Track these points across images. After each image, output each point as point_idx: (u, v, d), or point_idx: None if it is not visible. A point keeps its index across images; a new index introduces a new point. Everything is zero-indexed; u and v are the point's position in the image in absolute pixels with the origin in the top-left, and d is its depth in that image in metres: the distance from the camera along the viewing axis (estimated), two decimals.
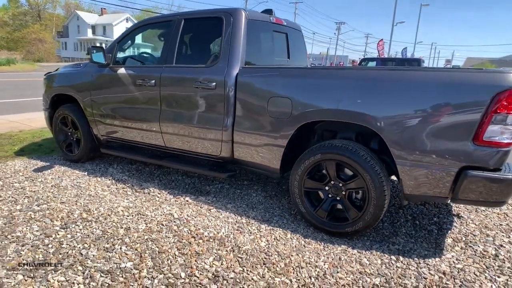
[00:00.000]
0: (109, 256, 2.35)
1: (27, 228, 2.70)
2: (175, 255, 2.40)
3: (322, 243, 2.64)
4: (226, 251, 2.47)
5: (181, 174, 4.10)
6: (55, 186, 3.60)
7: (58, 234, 2.62)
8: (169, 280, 2.13)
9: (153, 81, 3.46)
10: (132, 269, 2.22)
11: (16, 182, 3.69)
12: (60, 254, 2.36)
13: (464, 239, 2.76)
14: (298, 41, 4.14)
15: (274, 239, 2.69)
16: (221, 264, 2.32)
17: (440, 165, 2.31)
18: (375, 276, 2.23)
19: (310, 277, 2.21)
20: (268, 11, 3.63)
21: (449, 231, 2.89)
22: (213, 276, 2.19)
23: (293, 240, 2.68)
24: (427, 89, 2.30)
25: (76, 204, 3.18)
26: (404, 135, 2.37)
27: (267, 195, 3.50)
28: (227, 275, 2.20)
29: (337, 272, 2.27)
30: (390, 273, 2.27)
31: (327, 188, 2.77)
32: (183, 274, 2.19)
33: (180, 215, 3.00)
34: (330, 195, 2.77)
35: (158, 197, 3.40)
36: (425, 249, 2.59)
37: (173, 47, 3.41)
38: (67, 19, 57.10)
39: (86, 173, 4.05)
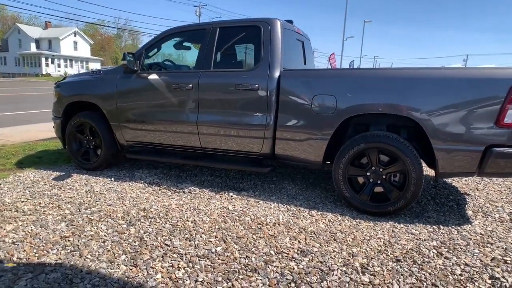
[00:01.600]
0: (195, 244, 2.50)
1: (95, 228, 2.73)
2: (254, 238, 2.60)
3: (371, 222, 3.00)
4: (296, 232, 2.73)
5: (208, 174, 4.26)
6: (90, 192, 3.59)
7: (130, 231, 2.69)
8: (264, 257, 2.34)
9: (191, 85, 3.64)
10: (224, 252, 2.39)
11: (45, 191, 3.61)
12: (147, 245, 2.46)
13: (480, 210, 3.29)
14: (309, 49, 4.57)
15: (329, 221, 2.99)
16: (299, 242, 2.57)
17: (470, 145, 2.81)
18: (430, 240, 2.63)
19: (379, 246, 2.54)
20: (290, 21, 4.01)
21: (466, 205, 3.41)
22: (299, 251, 2.43)
23: (345, 221, 3.00)
24: (459, 84, 2.80)
25: (124, 205, 3.22)
26: (441, 123, 2.84)
27: (301, 188, 3.80)
28: (311, 249, 2.46)
29: (399, 240, 2.64)
30: (440, 237, 2.69)
31: (368, 173, 3.15)
32: (272, 252, 2.41)
33: (234, 207, 3.19)
34: (371, 180, 3.15)
35: (201, 195, 3.54)
36: (455, 220, 3.07)
37: (209, 54, 3.63)
38: (5, 32, 53.05)
39: (112, 179, 4.04)
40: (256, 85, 3.36)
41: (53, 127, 4.72)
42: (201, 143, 3.76)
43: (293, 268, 2.22)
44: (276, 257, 2.35)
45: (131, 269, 2.18)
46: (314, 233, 2.72)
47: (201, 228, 2.76)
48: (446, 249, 2.49)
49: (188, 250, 2.41)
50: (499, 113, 2.72)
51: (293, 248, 2.47)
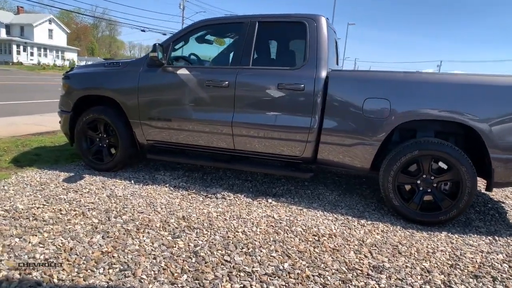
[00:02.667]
0: (258, 259, 2.26)
1: (137, 241, 2.43)
2: (317, 252, 2.40)
3: (424, 232, 2.87)
4: (356, 245, 2.56)
5: (234, 177, 4.01)
6: (112, 197, 3.25)
7: (179, 244, 2.42)
8: (338, 275, 2.15)
9: (227, 82, 3.37)
10: (294, 269, 2.18)
11: (60, 195, 3.24)
12: (207, 262, 2.20)
13: None
14: (338, 49, 4.40)
15: (382, 231, 2.84)
16: (365, 256, 2.40)
17: None
18: (495, 253, 2.54)
19: (448, 259, 2.42)
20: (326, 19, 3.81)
21: (507, 214, 3.37)
22: (372, 267, 2.26)
23: (398, 231, 2.86)
24: None
25: (158, 213, 2.93)
26: (500, 132, 2.75)
27: (339, 194, 3.63)
28: (382, 265, 2.29)
29: (464, 253, 2.52)
30: (502, 249, 2.60)
31: (418, 181, 3.03)
32: (344, 268, 2.22)
33: (280, 216, 2.98)
34: (421, 188, 3.03)
35: (237, 201, 3.30)
36: (505, 229, 3.00)
37: (248, 49, 3.38)
38: None
39: (132, 182, 3.71)
40: (302, 85, 3.15)
41: (60, 122, 4.30)
42: (235, 145, 3.50)
43: None
44: (351, 274, 2.17)
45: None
46: (375, 246, 2.56)
47: (255, 240, 2.52)
48: None
49: (253, 267, 2.17)
50: None
51: (363, 264, 2.29)
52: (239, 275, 2.09)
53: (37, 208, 2.91)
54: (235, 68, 3.39)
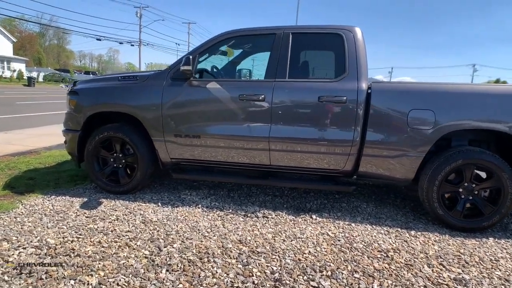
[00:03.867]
0: (345, 283, 2.17)
1: (210, 273, 2.22)
2: (393, 269, 2.36)
3: (472, 239, 2.94)
4: (422, 258, 2.55)
5: (263, 194, 3.86)
6: (148, 223, 2.99)
7: (255, 273, 2.25)
8: None
9: (263, 96, 3.26)
10: None
11: (89, 224, 2.91)
12: None
13: None
14: None
15: (435, 241, 2.87)
16: (440, 269, 2.39)
17: None
18: None
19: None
20: None
21: None
22: (453, 279, 2.26)
23: (449, 240, 2.90)
24: None
25: (209, 238, 2.73)
26: None
27: (375, 205, 3.62)
28: (461, 277, 2.29)
29: None
30: None
31: (460, 189, 3.11)
32: (430, 284, 2.20)
33: (334, 233, 2.91)
34: (463, 196, 3.12)
35: (281, 219, 3.17)
36: None
37: (283, 62, 3.29)
38: None
39: (160, 204, 3.43)
40: (344, 98, 3.12)
41: (64, 142, 3.89)
42: (271, 160, 3.38)
43: None
44: (441, 284, 2.14)
45: None
46: (440, 257, 2.57)
47: (327, 261, 2.42)
48: None
49: None
50: None
51: (444, 277, 2.28)
52: None
53: (72, 242, 2.58)
54: (271, 81, 3.29)
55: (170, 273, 2.21)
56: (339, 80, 3.19)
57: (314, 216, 3.23)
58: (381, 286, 2.16)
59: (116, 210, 3.26)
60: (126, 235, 2.74)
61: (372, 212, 3.44)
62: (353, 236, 2.87)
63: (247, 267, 2.31)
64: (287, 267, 2.32)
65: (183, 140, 3.48)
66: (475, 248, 2.75)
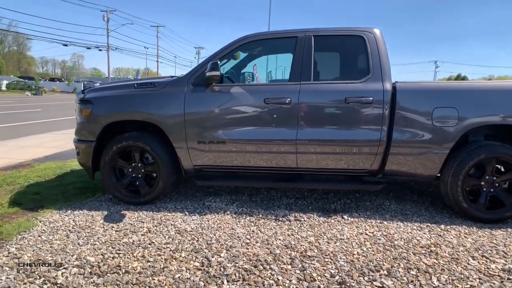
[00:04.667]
0: (406, 280, 2.21)
1: (272, 281, 2.19)
2: (443, 264, 2.43)
3: (498, 230, 3.08)
4: (464, 251, 2.64)
5: (284, 196, 3.85)
6: (183, 233, 2.91)
7: (315, 277, 2.24)
8: (487, 283, 2.19)
9: (289, 99, 3.26)
10: (446, 285, 2.17)
11: (122, 239, 2.79)
12: None
13: None
14: None
15: (467, 234, 2.98)
16: (485, 261, 2.49)
17: None
18: None
19: None
20: None
21: None
22: (502, 270, 2.35)
23: (479, 232, 3.02)
24: None
25: (253, 245, 2.69)
26: None
27: (397, 202, 3.71)
28: (508, 267, 2.40)
29: None
30: None
31: (482, 183, 3.26)
32: (484, 276, 2.28)
33: (371, 232, 2.95)
34: (484, 189, 3.26)
35: (314, 222, 3.18)
36: None
37: (307, 64, 3.31)
38: None
39: (187, 213, 3.35)
40: (370, 98, 3.19)
41: (77, 153, 3.70)
42: (298, 163, 3.38)
43: None
44: (495, 280, 2.23)
45: None
46: (479, 250, 2.67)
47: (379, 261, 2.46)
48: None
49: None
50: None
51: (493, 268, 2.38)
52: None
53: (114, 259, 2.46)
54: (297, 84, 3.30)
55: (232, 283, 2.16)
56: (364, 81, 3.25)
57: (345, 217, 3.27)
58: (439, 281, 2.22)
59: (143, 222, 3.15)
60: (167, 247, 2.65)
61: (397, 209, 3.52)
62: (390, 234, 2.92)
63: (305, 272, 2.30)
64: (344, 269, 2.33)
65: (207, 146, 3.41)
66: (506, 239, 2.89)
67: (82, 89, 3.96)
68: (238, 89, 3.35)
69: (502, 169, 3.25)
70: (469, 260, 2.50)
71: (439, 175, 3.35)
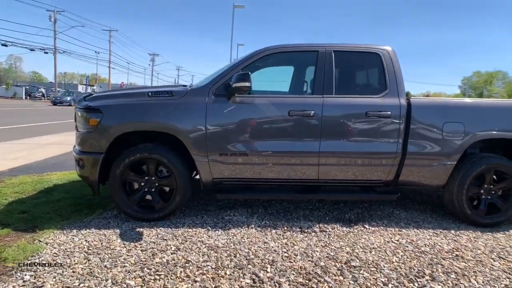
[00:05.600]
0: (451, 284, 2.34)
1: None
2: (472, 267, 2.62)
3: (498, 233, 3.38)
4: (483, 253, 2.87)
5: (298, 208, 3.87)
6: (215, 249, 2.81)
7: (374, 286, 2.28)
8: None
9: (313, 112, 3.33)
10: (484, 285, 2.34)
11: (152, 259, 2.62)
12: None
13: None
14: None
15: (475, 238, 3.24)
16: (506, 262, 2.73)
17: None
18: None
19: None
20: None
21: None
22: None
23: (484, 236, 3.29)
24: None
25: (294, 258, 2.68)
26: None
27: (406, 210, 3.90)
28: None
29: None
30: None
31: (482, 191, 3.58)
32: (506, 275, 2.50)
33: (397, 240, 3.09)
34: (483, 196, 3.59)
35: (340, 232, 3.24)
36: None
37: (329, 78, 3.41)
38: None
39: (208, 228, 3.23)
40: (389, 112, 3.37)
41: (81, 166, 3.39)
42: (319, 175, 3.45)
43: None
44: None
45: None
46: (493, 252, 2.93)
47: (417, 267, 2.58)
48: None
49: None
50: None
51: (510, 267, 2.61)
52: None
53: (156, 281, 2.31)
54: (320, 97, 3.38)
55: None
56: (382, 96, 3.42)
57: (366, 226, 3.38)
58: (478, 283, 2.38)
59: (166, 240, 2.97)
60: (207, 265, 2.53)
61: (407, 217, 3.72)
62: (413, 240, 3.08)
63: (357, 281, 2.34)
64: (392, 277, 2.41)
65: (229, 158, 3.33)
66: (508, 241, 3.19)
67: (84, 96, 3.65)
68: (262, 100, 3.35)
69: (495, 179, 3.59)
70: (492, 262, 2.72)
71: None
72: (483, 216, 3.55)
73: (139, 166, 3.39)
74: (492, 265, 2.66)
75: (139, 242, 2.90)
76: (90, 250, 2.75)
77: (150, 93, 3.39)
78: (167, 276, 2.35)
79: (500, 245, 3.08)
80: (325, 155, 3.37)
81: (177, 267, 2.49)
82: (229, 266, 2.52)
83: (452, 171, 3.52)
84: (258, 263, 2.57)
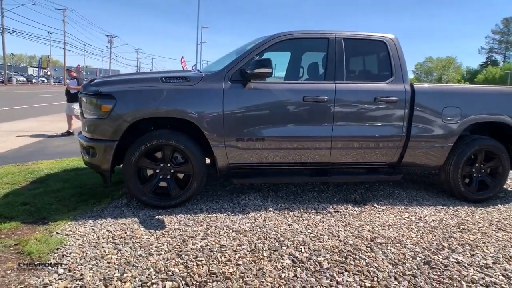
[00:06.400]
0: (472, 253, 2.58)
1: (375, 267, 2.34)
2: (480, 238, 2.89)
3: (489, 208, 3.74)
4: (484, 226, 3.17)
5: (306, 190, 4.00)
6: (243, 233, 2.85)
7: (404, 260, 2.47)
8: None
9: (326, 97, 3.42)
10: (498, 254, 2.61)
11: (185, 245, 2.62)
12: (451, 270, 2.37)
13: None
14: None
15: (472, 212, 3.55)
16: (507, 232, 3.04)
17: None
18: None
19: None
20: None
21: None
22: None
23: (480, 210, 3.62)
24: None
25: (322, 238, 2.80)
26: None
27: (403, 190, 4.16)
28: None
29: None
30: None
31: (473, 169, 3.91)
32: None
33: (408, 217, 3.31)
34: (475, 175, 3.92)
35: (353, 212, 3.41)
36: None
37: (340, 64, 3.50)
38: None
39: (228, 213, 3.26)
40: (395, 98, 3.54)
41: (91, 154, 3.25)
42: (331, 158, 3.57)
43: None
44: None
45: None
46: (492, 224, 3.24)
47: (435, 240, 2.81)
48: None
49: (486, 260, 2.48)
50: None
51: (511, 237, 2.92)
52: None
53: (199, 266, 2.32)
54: (332, 83, 3.47)
55: (342, 276, 2.24)
56: (389, 82, 3.58)
57: (376, 205, 3.58)
58: (490, 252, 2.65)
59: (190, 226, 2.97)
60: (241, 248, 2.58)
61: (408, 196, 3.97)
62: (421, 217, 3.33)
63: (389, 256, 2.51)
64: (417, 251, 2.61)
65: (245, 144, 3.35)
66: (501, 214, 3.54)
67: (89, 81, 3.45)
68: (277, 86, 3.38)
69: (485, 158, 3.92)
70: (495, 233, 3.02)
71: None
72: (474, 193, 3.88)
73: (153, 153, 3.31)
74: (496, 236, 2.96)
75: (165, 230, 2.87)
76: (117, 240, 2.68)
77: (164, 78, 3.29)
78: (208, 261, 2.37)
79: (495, 218, 3.41)
80: (337, 139, 3.50)
81: (214, 251, 2.51)
82: (264, 248, 2.59)
83: (449, 152, 3.80)
84: (290, 244, 2.66)
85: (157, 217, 3.14)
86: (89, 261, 2.37)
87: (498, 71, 56.34)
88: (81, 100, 3.40)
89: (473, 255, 2.59)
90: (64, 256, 2.42)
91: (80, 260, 2.38)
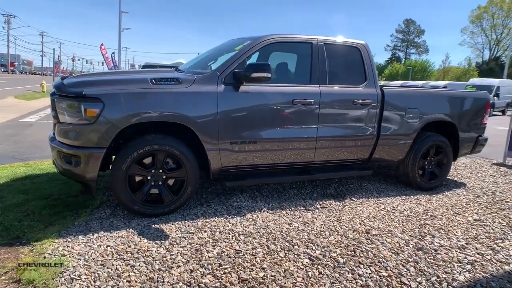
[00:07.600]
0: (447, 237, 3.04)
1: (382, 257, 2.61)
2: (446, 223, 3.41)
3: (441, 195, 4.39)
4: (445, 212, 3.73)
5: (286, 188, 4.17)
6: (249, 235, 2.93)
7: (400, 246, 2.80)
8: (475, 228, 3.27)
9: (312, 100, 3.61)
10: (467, 234, 3.12)
11: (200, 252, 2.61)
12: (443, 253, 2.78)
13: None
14: None
15: (429, 200, 4.14)
16: (463, 216, 3.62)
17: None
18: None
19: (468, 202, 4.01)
20: None
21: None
22: (475, 220, 3.51)
23: (433, 198, 4.23)
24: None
25: (324, 234, 3.01)
26: (463, 123, 4.61)
27: (369, 183, 4.61)
28: (477, 217, 3.59)
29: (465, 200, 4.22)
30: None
31: (426, 162, 4.52)
32: (471, 224, 3.37)
33: (384, 208, 3.72)
34: (427, 167, 4.54)
35: (337, 207, 3.69)
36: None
37: (323, 69, 3.72)
38: None
39: (226, 216, 3.27)
40: (369, 100, 3.90)
41: (74, 163, 2.94)
42: (315, 157, 3.80)
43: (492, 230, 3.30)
44: (476, 225, 3.33)
45: None
46: (448, 209, 3.82)
47: (415, 228, 3.22)
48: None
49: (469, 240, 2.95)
50: None
51: (470, 220, 3.50)
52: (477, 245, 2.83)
53: (226, 274, 2.33)
54: (317, 86, 3.67)
55: (361, 268, 2.46)
56: (364, 86, 3.92)
57: (353, 199, 3.93)
58: (460, 235, 3.14)
59: (193, 233, 2.92)
60: (256, 252, 2.64)
61: (374, 188, 4.42)
62: (394, 207, 3.76)
63: (386, 245, 2.82)
64: (406, 239, 2.97)
65: (239, 146, 3.38)
66: (451, 199, 4.18)
67: (61, 79, 3.06)
68: (269, 89, 3.44)
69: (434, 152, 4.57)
70: (455, 217, 3.57)
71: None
72: (427, 182, 4.50)
73: (143, 159, 3.13)
74: (457, 220, 3.50)
75: (170, 240, 2.77)
76: (123, 255, 2.52)
77: (154, 80, 3.11)
78: (234, 268, 2.39)
79: (448, 203, 4.01)
80: (321, 139, 3.73)
81: (233, 258, 2.53)
82: (277, 250, 2.69)
83: (409, 148, 4.33)
84: (299, 243, 2.80)
85: (153, 226, 3.01)
86: (106, 281, 2.20)
87: (402, 67, 63.65)
88: (55, 102, 3.03)
89: (449, 238, 3.06)
90: (74, 279, 2.20)
91: (95, 282, 2.19)
